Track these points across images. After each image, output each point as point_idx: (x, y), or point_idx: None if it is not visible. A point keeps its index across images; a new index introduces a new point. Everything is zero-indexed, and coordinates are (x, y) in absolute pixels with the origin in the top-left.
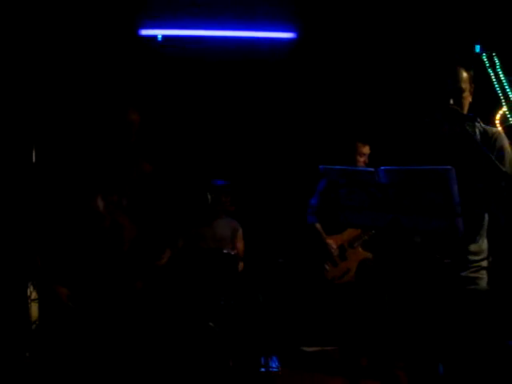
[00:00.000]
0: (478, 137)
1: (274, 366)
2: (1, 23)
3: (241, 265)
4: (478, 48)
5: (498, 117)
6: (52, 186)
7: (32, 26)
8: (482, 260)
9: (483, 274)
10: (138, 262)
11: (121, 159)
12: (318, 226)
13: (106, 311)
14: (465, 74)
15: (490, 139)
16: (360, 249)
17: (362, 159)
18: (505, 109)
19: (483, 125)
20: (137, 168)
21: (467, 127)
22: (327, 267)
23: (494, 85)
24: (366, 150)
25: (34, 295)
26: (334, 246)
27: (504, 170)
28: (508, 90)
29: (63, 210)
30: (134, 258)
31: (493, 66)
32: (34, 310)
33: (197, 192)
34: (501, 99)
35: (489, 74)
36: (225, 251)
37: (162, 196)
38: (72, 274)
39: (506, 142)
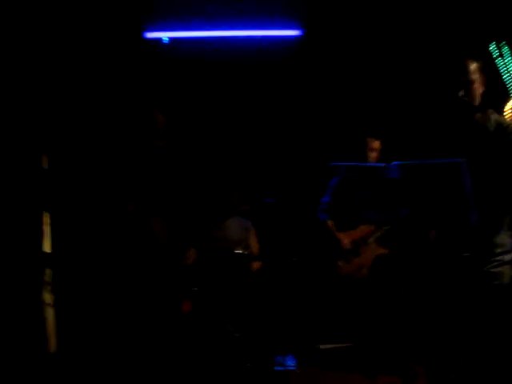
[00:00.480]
0: (493, 128)
1: (290, 364)
2: (9, 28)
3: (258, 264)
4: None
5: (507, 108)
6: (79, 191)
7: (38, 29)
8: (505, 254)
9: (506, 269)
10: (169, 262)
11: (150, 161)
12: (329, 222)
13: (134, 310)
14: (473, 66)
15: (504, 130)
16: (374, 245)
17: (373, 154)
18: None
19: (497, 116)
20: (164, 168)
21: (481, 118)
22: (340, 264)
23: (502, 75)
24: (377, 144)
25: (48, 300)
26: (347, 242)
27: None
28: None
29: (94, 215)
30: (166, 259)
31: (501, 55)
32: (50, 314)
33: (219, 191)
34: (510, 90)
35: (497, 64)
36: (236, 251)
37: (184, 195)
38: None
39: None
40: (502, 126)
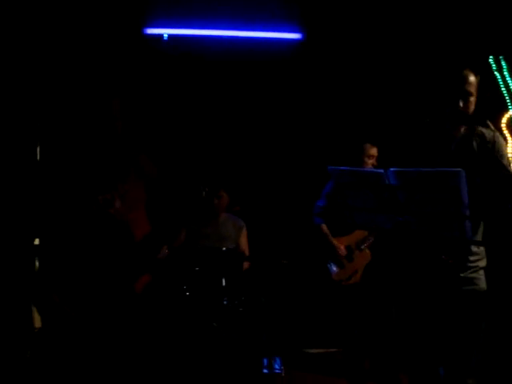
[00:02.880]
0: (478, 139)
1: (276, 367)
2: (6, 23)
3: (246, 264)
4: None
5: (504, 120)
6: (60, 185)
7: (37, 24)
8: (480, 260)
9: (481, 275)
10: (145, 257)
11: (110, 153)
12: (324, 227)
13: (109, 311)
14: (473, 78)
15: (488, 142)
16: (367, 251)
17: (370, 161)
18: (511, 112)
19: (481, 128)
20: (133, 161)
21: (474, 130)
22: (334, 268)
23: (500, 88)
24: (374, 151)
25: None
26: (342, 247)
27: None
28: None
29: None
30: (142, 254)
31: (500, 69)
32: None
33: (191, 188)
34: (507, 103)
35: (495, 77)
36: (224, 248)
37: (162, 192)
38: (78, 274)
39: (504, 146)
40: (485, 137)
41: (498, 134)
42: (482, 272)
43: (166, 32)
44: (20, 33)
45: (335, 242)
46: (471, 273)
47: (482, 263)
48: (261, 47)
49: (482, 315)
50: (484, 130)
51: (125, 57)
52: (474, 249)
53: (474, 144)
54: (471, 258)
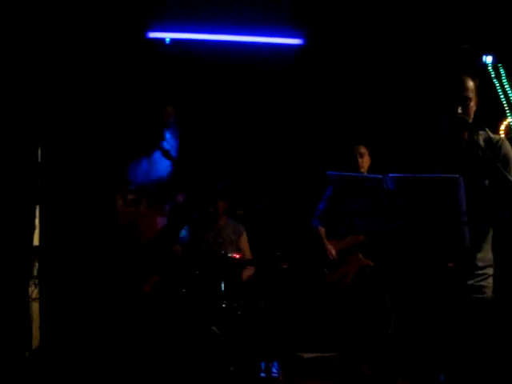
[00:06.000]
0: (483, 144)
1: (274, 371)
2: (9, 24)
3: (252, 269)
4: (485, 59)
5: (502, 127)
6: (66, 183)
7: (41, 26)
8: (488, 267)
9: (489, 283)
10: (154, 257)
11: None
12: (321, 230)
13: (112, 310)
14: (471, 83)
15: (494, 146)
16: (360, 255)
17: (360, 159)
18: (510, 119)
19: (488, 132)
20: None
21: (474, 135)
22: (326, 271)
23: (499, 95)
24: (362, 149)
25: (35, 294)
26: (333, 251)
27: (511, 178)
28: None
29: (81, 209)
30: (151, 254)
31: (498, 76)
32: (36, 308)
33: (201, 193)
34: (506, 110)
35: (494, 84)
36: (229, 255)
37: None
38: (85, 272)
39: (510, 150)
40: (491, 142)
41: (504, 138)
42: (490, 280)
43: (168, 36)
44: (23, 35)
45: (328, 245)
46: (480, 281)
47: (490, 271)
48: (262, 52)
49: (487, 323)
50: (492, 135)
51: (127, 60)
52: (481, 256)
53: (480, 148)
54: (479, 266)
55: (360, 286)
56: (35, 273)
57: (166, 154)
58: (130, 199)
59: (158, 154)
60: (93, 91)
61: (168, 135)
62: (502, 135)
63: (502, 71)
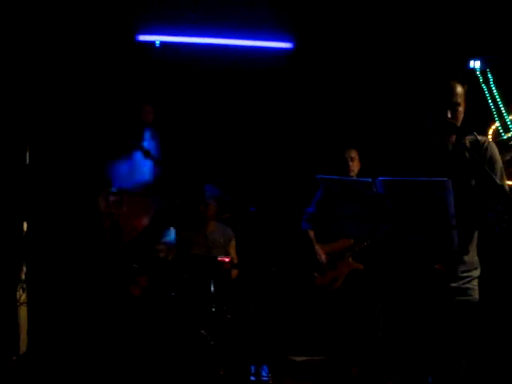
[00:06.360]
0: (470, 146)
1: (264, 375)
2: None
3: (235, 272)
4: (472, 64)
5: (490, 132)
6: (50, 185)
7: (29, 29)
8: (473, 270)
9: (474, 285)
10: (140, 256)
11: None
12: (311, 233)
13: (99, 313)
14: (460, 89)
15: (480, 148)
16: (350, 259)
17: (351, 163)
18: (498, 124)
19: (476, 135)
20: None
21: (461, 138)
22: (316, 274)
23: (487, 100)
24: (352, 153)
25: (23, 298)
26: (323, 255)
27: (499, 182)
28: (501, 106)
29: (62, 211)
30: (136, 254)
31: (486, 81)
32: (23, 312)
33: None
34: (494, 114)
35: (482, 89)
36: (219, 258)
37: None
38: (68, 274)
39: (496, 152)
40: (478, 144)
41: (490, 140)
42: (475, 282)
43: (158, 39)
44: (10, 37)
45: (318, 248)
46: (465, 283)
47: (476, 273)
48: (251, 56)
49: (472, 325)
50: (479, 137)
51: (117, 63)
52: (467, 258)
53: (467, 151)
54: (464, 268)
55: (350, 289)
56: (23, 277)
57: (147, 153)
58: (113, 201)
59: (138, 155)
60: (80, 92)
61: (147, 134)
62: (490, 139)
63: (489, 76)
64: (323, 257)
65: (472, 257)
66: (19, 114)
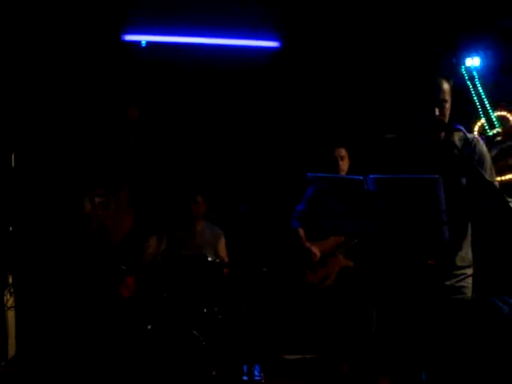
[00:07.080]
0: (459, 143)
1: (256, 374)
2: None
3: (225, 271)
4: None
5: (476, 128)
6: (36, 188)
7: (12, 30)
8: (467, 267)
9: (468, 283)
10: (127, 258)
11: (117, 158)
12: (301, 231)
13: (90, 318)
14: (446, 86)
15: (469, 145)
16: (341, 257)
17: (341, 162)
18: (483, 121)
19: (464, 131)
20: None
21: (450, 135)
22: (307, 272)
23: (472, 97)
24: (342, 152)
25: (10, 302)
26: (318, 252)
27: (488, 179)
28: (486, 102)
29: (47, 214)
30: (124, 256)
31: (471, 78)
32: (11, 317)
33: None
34: (479, 111)
35: (467, 86)
36: (209, 259)
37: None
38: (56, 278)
39: (485, 148)
40: (467, 141)
41: (478, 137)
42: (469, 280)
43: (144, 39)
44: None
45: (310, 246)
46: (458, 281)
47: (470, 271)
48: (238, 55)
49: (467, 322)
50: (467, 134)
51: (102, 63)
52: (461, 255)
53: (456, 148)
54: (459, 265)
55: (342, 287)
56: (10, 281)
57: None
58: (98, 202)
59: None
60: (65, 93)
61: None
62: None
63: (474, 74)
64: (318, 254)
65: (466, 254)
66: (4, 116)
